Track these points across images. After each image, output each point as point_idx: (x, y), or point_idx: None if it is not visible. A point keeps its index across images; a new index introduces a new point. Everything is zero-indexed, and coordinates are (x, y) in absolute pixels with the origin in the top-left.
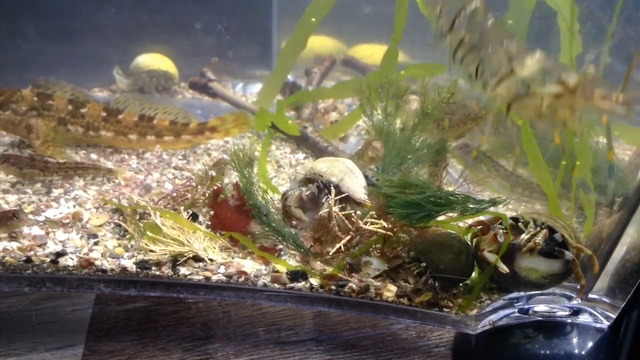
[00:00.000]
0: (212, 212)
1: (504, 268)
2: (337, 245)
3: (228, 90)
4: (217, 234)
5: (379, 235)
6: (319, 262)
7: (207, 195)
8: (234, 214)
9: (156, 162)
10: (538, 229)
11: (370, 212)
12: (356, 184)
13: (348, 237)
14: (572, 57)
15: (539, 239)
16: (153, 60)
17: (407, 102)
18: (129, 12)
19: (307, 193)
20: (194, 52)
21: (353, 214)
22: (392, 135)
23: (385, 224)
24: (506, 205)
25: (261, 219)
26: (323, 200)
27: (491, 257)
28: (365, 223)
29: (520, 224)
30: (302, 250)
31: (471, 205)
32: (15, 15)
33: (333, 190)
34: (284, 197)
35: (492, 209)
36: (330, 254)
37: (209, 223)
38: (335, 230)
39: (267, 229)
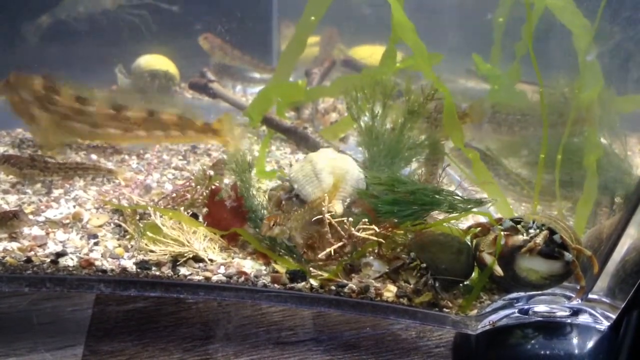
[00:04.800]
0: (206, 210)
1: (499, 271)
2: (327, 250)
3: (228, 91)
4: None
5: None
6: (311, 268)
7: (205, 195)
8: (229, 215)
9: (156, 162)
10: (539, 230)
11: (364, 220)
12: (317, 189)
13: (340, 244)
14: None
15: (539, 239)
16: (154, 61)
17: (396, 99)
18: (129, 13)
19: (285, 197)
20: (194, 53)
21: (345, 221)
22: (381, 136)
23: (376, 229)
24: (493, 205)
25: (256, 222)
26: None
27: (489, 259)
28: (358, 230)
29: (520, 225)
30: (294, 255)
31: (458, 204)
32: (14, 15)
33: (326, 198)
34: (269, 197)
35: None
36: (321, 255)
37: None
38: (328, 237)
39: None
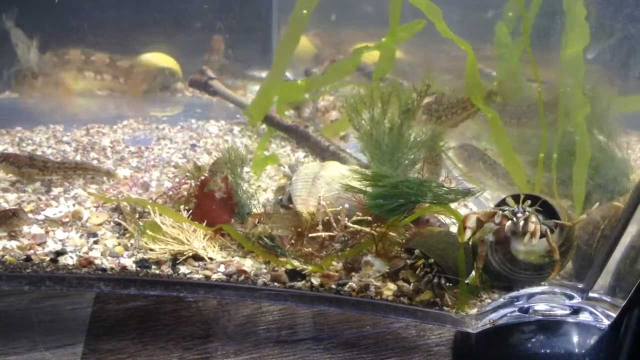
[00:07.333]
0: (195, 201)
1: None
2: (315, 234)
3: (228, 89)
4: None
5: (369, 237)
6: (295, 261)
7: (195, 187)
8: (218, 207)
9: (157, 160)
10: (527, 213)
11: (357, 213)
12: (304, 190)
13: (328, 233)
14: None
15: (533, 223)
16: (156, 58)
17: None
18: (130, 11)
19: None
20: (194, 51)
21: (339, 214)
22: (381, 140)
23: (369, 218)
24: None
25: (243, 217)
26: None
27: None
28: (354, 222)
29: (507, 211)
30: (279, 250)
31: (444, 195)
32: (14, 12)
33: (323, 189)
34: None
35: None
36: (312, 236)
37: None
38: (319, 228)
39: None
